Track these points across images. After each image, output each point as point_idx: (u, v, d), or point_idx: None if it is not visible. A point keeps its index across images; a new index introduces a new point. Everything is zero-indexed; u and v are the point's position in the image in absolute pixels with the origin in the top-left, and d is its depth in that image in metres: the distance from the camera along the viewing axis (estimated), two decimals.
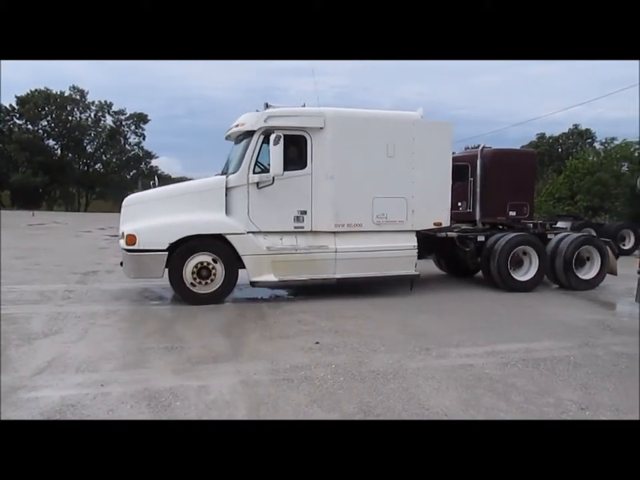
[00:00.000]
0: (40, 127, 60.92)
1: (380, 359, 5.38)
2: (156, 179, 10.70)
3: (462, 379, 4.88)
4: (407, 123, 8.96)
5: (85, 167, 64.98)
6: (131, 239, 7.67)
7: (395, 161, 8.75)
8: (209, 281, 7.97)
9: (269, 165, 8.09)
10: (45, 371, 4.89)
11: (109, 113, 64.95)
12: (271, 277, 8.17)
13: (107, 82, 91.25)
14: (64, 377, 4.75)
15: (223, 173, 8.77)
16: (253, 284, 8.24)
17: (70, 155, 63.44)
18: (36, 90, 58.62)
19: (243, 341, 6.04)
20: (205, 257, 7.95)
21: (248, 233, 8.12)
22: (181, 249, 7.85)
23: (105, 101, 64.07)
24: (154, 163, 69.97)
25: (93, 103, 63.62)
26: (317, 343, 5.91)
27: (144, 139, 66.79)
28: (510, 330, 6.70)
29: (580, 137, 50.61)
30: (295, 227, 8.39)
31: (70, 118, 62.28)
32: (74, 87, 61.79)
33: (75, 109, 62.95)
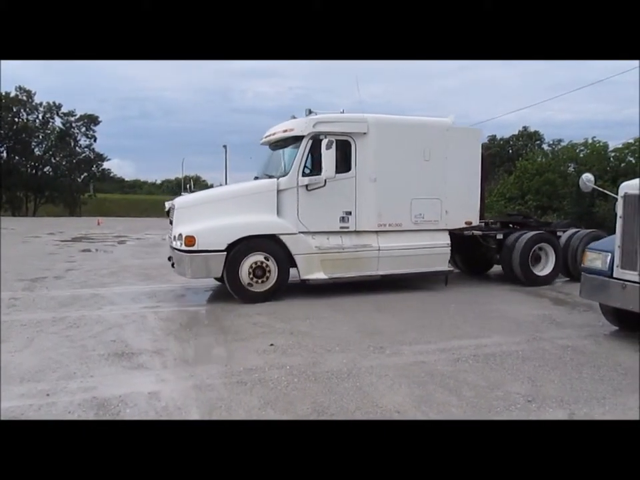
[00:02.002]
0: None
1: (334, 359, 5.40)
2: (192, 182, 11.02)
3: (415, 376, 4.95)
4: (441, 128, 9.57)
5: (32, 170, 62.46)
6: (190, 240, 7.96)
7: (431, 164, 9.34)
8: (264, 279, 8.27)
9: (306, 167, 8.65)
10: None
11: (57, 115, 62.67)
12: (321, 275, 8.61)
13: (56, 82, 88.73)
14: (7, 388, 4.55)
15: (255, 178, 9.57)
16: (304, 281, 8.57)
17: (17, 158, 60.95)
18: None
19: (196, 345, 5.95)
20: (259, 257, 8.26)
21: (299, 233, 8.48)
22: (237, 249, 8.14)
23: (54, 102, 61.86)
24: (106, 165, 68.26)
25: (40, 104, 61.30)
26: (272, 344, 5.88)
27: (95, 140, 64.85)
28: (461, 327, 6.83)
29: (529, 138, 52.23)
30: (341, 227, 8.88)
31: (16, 120, 59.86)
32: (20, 88, 59.43)
33: (22, 111, 60.56)
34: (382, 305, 8.17)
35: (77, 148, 64.79)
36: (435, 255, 9.42)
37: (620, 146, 21.54)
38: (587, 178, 7.55)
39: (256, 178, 9.82)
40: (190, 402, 4.31)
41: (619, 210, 6.01)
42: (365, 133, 8.95)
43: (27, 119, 61.17)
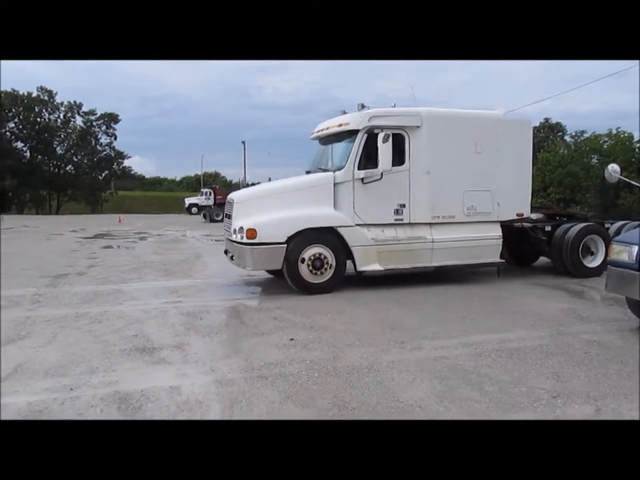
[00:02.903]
0: (7, 129, 59.39)
1: (355, 353, 5.36)
2: (269, 179, 11.47)
3: (436, 370, 4.89)
4: (492, 121, 9.72)
5: (55, 168, 63.61)
6: (252, 233, 8.19)
7: (482, 156, 9.43)
8: (322, 270, 8.47)
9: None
10: (10, 377, 4.75)
11: (78, 114, 63.71)
12: (377, 267, 8.74)
13: (76, 82, 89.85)
14: (31, 383, 4.62)
15: (307, 172, 9.88)
16: (360, 273, 8.73)
17: (39, 157, 62.01)
18: (2, 91, 57.10)
19: (217, 339, 5.97)
20: (318, 249, 8.45)
21: (356, 225, 8.65)
22: (297, 241, 8.33)
23: (75, 102, 62.86)
24: (126, 163, 69.09)
25: (62, 103, 62.30)
26: (292, 339, 5.87)
27: (115, 139, 65.83)
28: (484, 321, 6.74)
29: (551, 130, 51.47)
30: (395, 220, 9.01)
31: (38, 119, 60.82)
32: (42, 88, 60.39)
33: (44, 110, 61.54)
34: (402, 299, 8.10)
35: (97, 146, 65.87)
36: (487, 247, 9.52)
37: None
38: (613, 169, 7.38)
39: (307, 172, 10.03)
40: (211, 396, 4.31)
41: None
42: (418, 127, 9.04)
43: (48, 118, 62.22)
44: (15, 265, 12.02)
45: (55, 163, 63.65)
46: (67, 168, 64.82)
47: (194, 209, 45.67)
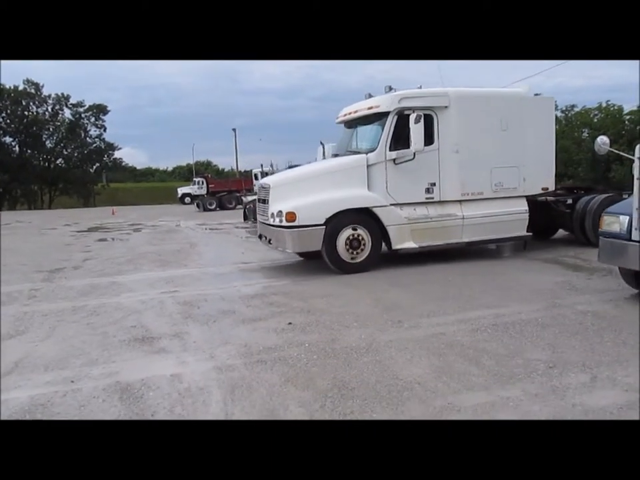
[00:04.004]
0: None
1: (353, 335, 5.41)
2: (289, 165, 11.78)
3: (434, 347, 4.94)
4: (516, 99, 9.89)
5: (45, 162, 63.07)
6: (291, 216, 8.43)
7: (508, 133, 9.59)
8: (359, 250, 8.71)
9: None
10: (12, 372, 4.77)
11: (66, 106, 63.00)
12: (411, 244, 9.03)
13: (63, 73, 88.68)
14: (32, 377, 4.65)
15: (335, 155, 10.23)
16: (395, 251, 9.00)
17: (29, 151, 61.42)
18: None
19: (215, 327, 6.00)
20: (354, 229, 8.71)
21: (390, 205, 8.86)
22: (334, 222, 8.56)
23: (62, 94, 62.11)
24: (117, 154, 68.55)
25: (49, 96, 61.58)
26: (290, 323, 5.91)
27: (105, 130, 65.24)
28: (480, 297, 6.79)
29: None
30: (426, 198, 9.23)
31: (26, 113, 60.21)
32: (28, 81, 59.59)
33: (31, 104, 60.84)
34: (398, 279, 8.15)
35: (87, 138, 65.31)
36: (514, 221, 9.74)
37: (635, 109, 21.04)
38: (602, 141, 7.37)
39: (335, 155, 10.34)
40: (211, 383, 4.35)
41: (636, 171, 5.87)
42: (446, 107, 9.22)
43: (36, 111, 61.53)
44: (10, 260, 11.99)
45: (44, 156, 63.10)
46: (57, 161, 64.31)
47: (187, 199, 45.53)
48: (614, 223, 6.19)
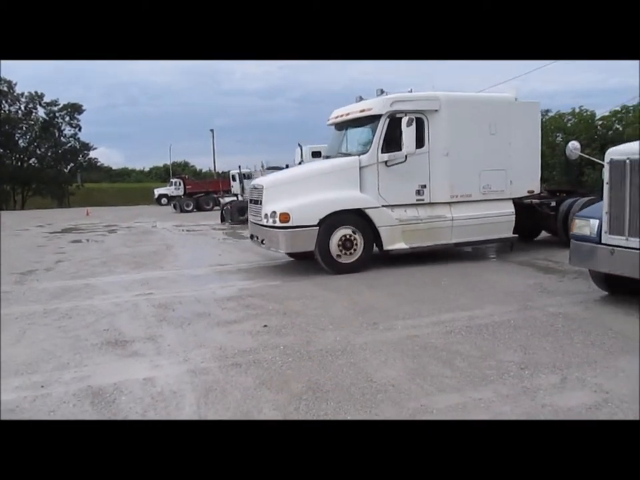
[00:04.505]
0: None
1: (328, 337, 5.42)
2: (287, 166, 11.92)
3: (408, 349, 4.98)
4: (504, 103, 10.16)
5: (18, 162, 61.89)
6: (285, 217, 8.53)
7: (496, 137, 9.85)
8: (352, 251, 8.85)
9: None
10: None
11: (40, 105, 61.97)
12: (402, 245, 9.18)
13: (36, 70, 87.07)
14: (2, 382, 4.54)
15: (326, 157, 10.44)
16: (386, 252, 9.14)
17: (1, 150, 60.19)
18: None
19: (190, 330, 5.95)
20: (347, 230, 8.85)
21: (381, 206, 9.01)
22: (328, 223, 8.69)
23: (36, 92, 61.07)
24: (92, 154, 67.58)
25: (22, 94, 60.47)
26: (265, 325, 5.89)
27: (80, 130, 64.29)
28: (454, 299, 6.86)
29: None
30: (417, 200, 9.42)
31: None
32: (0, 78, 58.45)
33: (3, 102, 59.64)
34: (373, 282, 8.19)
35: (61, 138, 64.29)
36: (501, 223, 9.96)
37: (607, 114, 21.53)
38: (574, 146, 7.55)
39: (327, 157, 10.52)
40: (185, 386, 4.32)
41: (606, 176, 6.02)
42: (436, 110, 9.39)
43: (9, 110, 60.30)
44: None
45: (17, 156, 61.92)
46: (30, 161, 63.17)
47: (164, 200, 45.01)
48: (584, 226, 6.32)
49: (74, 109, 63.05)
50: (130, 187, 71.54)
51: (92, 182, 68.73)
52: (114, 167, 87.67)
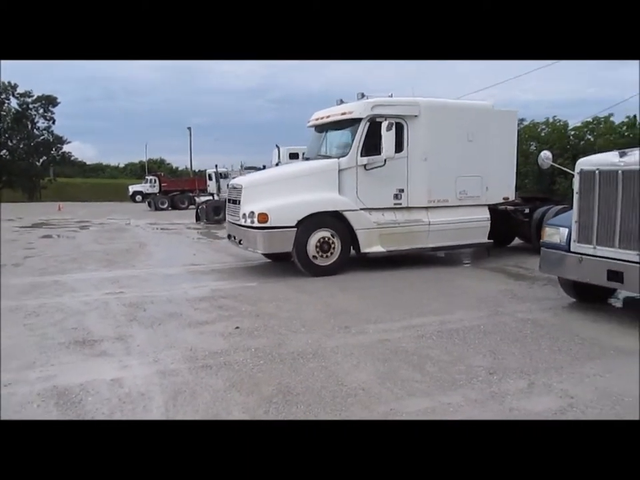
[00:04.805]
0: None
1: (300, 340, 5.41)
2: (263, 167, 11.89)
3: (379, 353, 5.00)
4: (482, 111, 10.32)
5: None
6: (263, 217, 8.51)
7: (474, 144, 9.95)
8: (329, 253, 8.88)
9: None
10: None
11: (13, 95, 60.46)
12: (379, 248, 9.21)
13: (11, 61, 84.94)
14: None
15: (306, 159, 10.53)
16: (363, 255, 9.18)
17: None
18: None
19: (160, 330, 5.88)
20: (325, 232, 8.87)
21: (360, 209, 9.07)
22: (306, 225, 8.70)
23: (9, 82, 59.59)
24: (66, 148, 66.30)
25: None
26: (237, 327, 5.86)
27: (54, 122, 62.97)
28: (426, 304, 6.92)
29: None
30: (395, 204, 9.49)
31: None
32: None
33: None
34: (346, 285, 8.21)
35: (34, 130, 62.78)
36: (477, 229, 10.14)
37: (579, 124, 21.95)
38: (545, 155, 7.70)
39: (307, 159, 10.57)
40: (154, 388, 4.26)
41: (576, 186, 6.15)
42: (416, 116, 9.49)
43: None
44: None
45: None
46: (1, 153, 61.54)
47: (138, 197, 44.46)
48: (554, 234, 6.44)
49: (48, 101, 61.75)
50: (104, 183, 70.28)
51: (65, 176, 67.28)
52: (88, 162, 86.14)
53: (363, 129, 9.20)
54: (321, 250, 8.84)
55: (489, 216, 10.27)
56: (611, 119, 19.59)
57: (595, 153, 6.65)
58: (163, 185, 40.61)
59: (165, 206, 36.17)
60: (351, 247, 9.20)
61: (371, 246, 9.18)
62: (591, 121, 20.78)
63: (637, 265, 5.41)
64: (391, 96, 9.74)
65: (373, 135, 9.12)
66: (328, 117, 10.12)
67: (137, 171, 77.33)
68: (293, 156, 19.92)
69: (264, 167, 21.30)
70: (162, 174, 47.63)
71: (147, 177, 45.57)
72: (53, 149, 64.43)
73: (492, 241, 10.38)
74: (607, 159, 5.83)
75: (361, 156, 9.17)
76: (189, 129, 53.96)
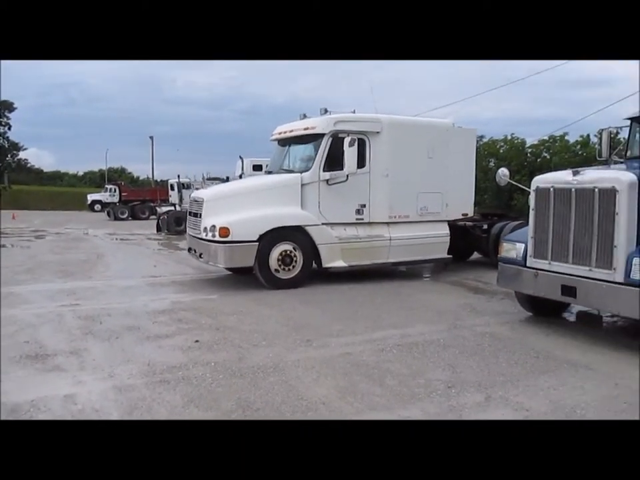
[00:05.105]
0: None
1: (260, 354, 5.37)
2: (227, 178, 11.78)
3: (340, 367, 5.01)
4: (443, 129, 10.48)
5: None
6: (225, 232, 8.44)
7: (434, 161, 10.13)
8: (291, 267, 8.88)
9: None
10: None
11: None
12: (341, 263, 9.27)
13: None
14: None
15: (268, 172, 10.73)
16: (325, 269, 9.22)
17: None
18: None
19: (117, 344, 5.73)
20: (287, 246, 8.87)
21: (322, 224, 9.10)
22: (267, 239, 8.68)
23: None
24: (22, 155, 64.38)
25: None
26: (197, 341, 5.77)
27: (9, 128, 61.05)
28: (387, 317, 6.97)
29: None
30: (356, 219, 9.58)
31: None
32: None
33: None
34: (308, 298, 8.21)
35: None
36: (437, 244, 10.28)
37: (536, 142, 22.63)
38: (503, 172, 7.91)
39: (269, 172, 10.73)
40: (109, 403, 4.15)
41: (532, 203, 6.34)
42: (378, 132, 9.60)
43: None
44: None
45: None
46: None
47: (97, 206, 43.40)
48: (511, 249, 6.61)
49: (4, 107, 59.88)
50: (62, 191, 68.33)
51: (20, 184, 65.29)
52: (45, 170, 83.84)
53: (325, 144, 9.26)
54: (282, 263, 8.83)
55: (448, 231, 10.43)
56: (566, 137, 20.22)
57: (550, 171, 6.87)
58: (123, 194, 39.78)
59: (125, 216, 35.46)
60: (313, 262, 9.21)
61: (333, 260, 9.22)
62: (547, 139, 21.43)
63: (589, 280, 5.60)
64: (354, 112, 9.86)
65: (335, 151, 9.20)
66: (291, 131, 10.17)
67: (97, 180, 75.64)
68: (257, 168, 19.85)
69: (227, 178, 21.16)
70: (122, 183, 46.72)
71: (106, 186, 44.54)
72: (9, 156, 62.44)
73: (451, 256, 10.56)
74: (561, 177, 6.03)
75: (324, 171, 9.22)
76: (151, 137, 53.29)
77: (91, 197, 46.03)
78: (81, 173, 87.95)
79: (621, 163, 6.96)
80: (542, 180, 6.29)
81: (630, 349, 5.54)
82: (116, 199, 39.56)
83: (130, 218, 35.15)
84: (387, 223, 9.83)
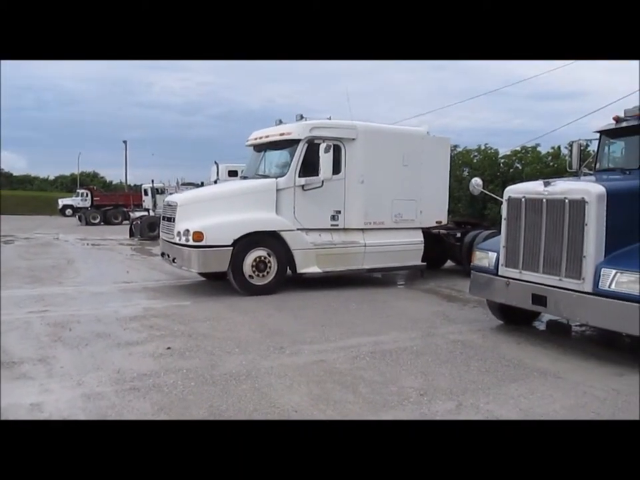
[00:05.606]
0: None
1: (233, 361, 5.32)
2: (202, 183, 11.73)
3: (313, 374, 5.00)
4: (417, 137, 10.58)
5: None
6: (198, 236, 8.37)
7: (409, 168, 10.21)
8: (265, 273, 8.81)
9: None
10: None
11: None
12: (316, 269, 9.28)
13: None
14: None
15: (244, 178, 10.68)
16: (299, 275, 9.20)
17: None
18: None
19: (86, 351, 5.62)
20: (261, 252, 8.83)
21: (297, 229, 9.08)
22: (242, 244, 8.62)
23: None
24: None
25: None
26: (169, 348, 5.69)
27: None
28: (361, 325, 6.99)
29: None
30: (332, 225, 9.62)
31: None
32: None
33: None
34: (282, 304, 8.18)
35: None
36: (411, 251, 10.36)
37: (509, 153, 23.05)
38: (476, 182, 8.04)
39: (244, 178, 10.69)
40: (77, 412, 4.06)
41: (504, 212, 6.44)
42: (354, 139, 9.67)
43: None
44: None
45: None
46: None
47: (68, 211, 42.65)
48: (484, 258, 6.69)
49: None
50: (32, 196, 66.93)
51: None
52: (15, 173, 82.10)
53: (301, 150, 9.29)
54: (257, 269, 8.79)
55: (422, 239, 10.52)
56: (538, 148, 20.67)
57: (522, 181, 6.99)
58: (95, 199, 39.17)
59: (97, 221, 34.88)
60: (287, 267, 9.18)
61: (308, 266, 9.23)
62: (519, 150, 21.86)
63: (559, 290, 5.70)
64: (330, 118, 9.90)
65: (311, 156, 9.25)
66: (267, 136, 10.19)
67: (68, 184, 74.31)
68: (232, 173, 19.78)
69: (202, 184, 21.02)
70: (94, 187, 46.06)
71: (78, 191, 43.81)
72: None
73: (425, 263, 10.64)
74: (533, 188, 6.14)
75: (299, 176, 9.25)
76: (125, 142, 52.71)
77: (62, 202, 45.20)
78: (52, 177, 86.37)
79: (591, 174, 7.12)
80: (514, 190, 6.40)
81: (598, 358, 5.65)
82: (88, 204, 38.94)
83: (102, 223, 34.59)
84: (362, 230, 9.86)
